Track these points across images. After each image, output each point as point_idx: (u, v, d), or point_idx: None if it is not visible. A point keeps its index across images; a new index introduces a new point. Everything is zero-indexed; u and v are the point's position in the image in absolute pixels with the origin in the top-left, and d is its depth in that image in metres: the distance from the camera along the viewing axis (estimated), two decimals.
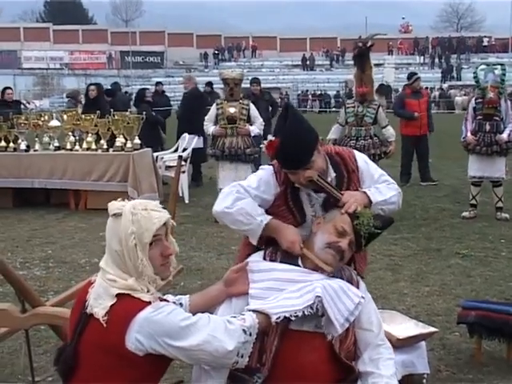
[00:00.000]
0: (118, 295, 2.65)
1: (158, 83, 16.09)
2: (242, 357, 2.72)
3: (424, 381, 4.14)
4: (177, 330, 2.61)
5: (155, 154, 11.64)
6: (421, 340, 4.22)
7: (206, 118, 9.81)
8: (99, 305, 2.67)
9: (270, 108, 13.36)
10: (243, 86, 10.05)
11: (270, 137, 3.24)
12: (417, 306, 5.90)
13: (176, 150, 12.71)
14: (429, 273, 7.00)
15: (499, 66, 9.63)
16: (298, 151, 3.13)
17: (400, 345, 3.97)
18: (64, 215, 10.37)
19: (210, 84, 14.73)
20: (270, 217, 3.29)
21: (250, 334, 2.76)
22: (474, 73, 9.64)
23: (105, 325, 2.61)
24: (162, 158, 12.03)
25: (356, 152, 3.49)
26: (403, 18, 77.94)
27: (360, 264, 3.46)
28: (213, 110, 9.70)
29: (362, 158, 3.46)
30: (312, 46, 69.58)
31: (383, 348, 3.18)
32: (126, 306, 2.63)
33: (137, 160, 10.58)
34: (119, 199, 2.80)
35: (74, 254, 8.00)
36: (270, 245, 3.32)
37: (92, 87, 12.86)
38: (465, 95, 49.22)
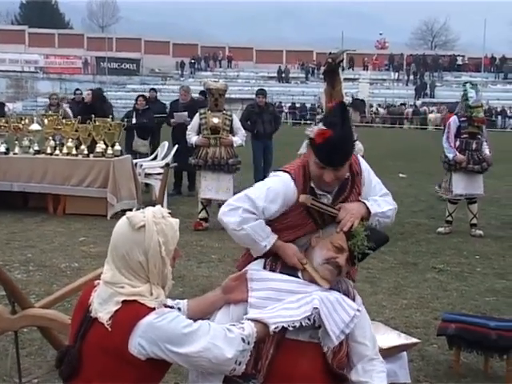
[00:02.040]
0: (123, 301, 2.71)
1: (151, 90, 16.00)
2: (239, 364, 2.79)
3: None
4: (179, 336, 2.68)
5: (134, 161, 11.67)
6: (402, 350, 4.32)
7: (188, 127, 9.87)
8: (104, 310, 2.72)
9: (273, 121, 13.28)
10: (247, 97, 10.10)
11: (314, 127, 3.26)
12: (395, 318, 6.02)
13: (155, 158, 12.76)
14: (406, 286, 7.13)
15: (476, 86, 9.86)
16: (345, 150, 3.24)
17: (383, 355, 4.06)
18: (42, 219, 10.36)
19: (203, 93, 14.71)
20: (274, 239, 3.33)
21: (249, 343, 2.83)
22: (464, 91, 9.78)
23: (109, 329, 2.67)
24: (142, 165, 12.06)
25: (359, 156, 3.56)
26: (381, 34, 78.58)
27: (352, 270, 3.54)
28: (195, 119, 9.78)
29: (364, 163, 3.53)
30: (288, 58, 69.87)
31: (377, 361, 3.27)
32: (131, 311, 2.69)
33: (117, 166, 10.61)
34: (134, 209, 2.85)
35: (53, 258, 8.00)
36: (270, 255, 3.38)
37: (87, 92, 12.91)
38: (438, 112, 49.87)
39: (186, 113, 12.46)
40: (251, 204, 3.27)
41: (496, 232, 10.13)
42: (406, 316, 6.11)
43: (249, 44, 75.91)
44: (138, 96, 14.09)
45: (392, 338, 4.39)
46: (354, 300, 3.28)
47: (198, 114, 9.83)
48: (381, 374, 3.24)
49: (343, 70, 10.99)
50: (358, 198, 3.42)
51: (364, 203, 3.39)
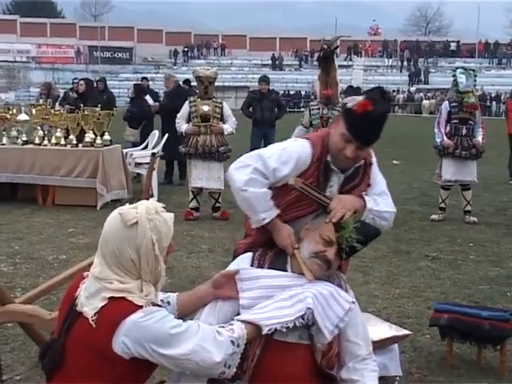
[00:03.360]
0: (110, 298, 2.60)
1: (143, 78, 15.90)
2: (229, 367, 2.68)
3: (396, 383, 4.15)
4: (165, 337, 2.56)
5: (125, 151, 11.54)
6: (394, 342, 4.22)
7: (178, 115, 9.73)
8: (90, 304, 2.61)
9: (276, 109, 13.08)
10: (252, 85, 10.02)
11: (356, 97, 3.18)
12: (388, 308, 5.93)
13: (146, 147, 12.64)
14: (399, 275, 7.04)
15: (472, 72, 9.74)
16: (379, 128, 3.16)
17: (374, 347, 3.97)
18: (31, 210, 10.22)
19: (188, 81, 14.58)
20: (274, 214, 3.22)
21: (238, 345, 2.72)
22: (453, 76, 9.70)
23: (94, 325, 2.56)
24: (132, 154, 11.94)
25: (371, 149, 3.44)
26: (374, 21, 78.41)
27: (343, 264, 3.40)
28: (185, 107, 9.63)
29: (375, 158, 3.44)
30: (281, 45, 69.69)
31: (369, 360, 3.16)
32: (117, 308, 2.57)
33: (106, 156, 10.48)
34: (127, 204, 2.73)
35: (41, 250, 7.88)
36: (262, 242, 3.29)
37: (81, 82, 12.81)
38: (432, 99, 49.81)
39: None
40: (262, 163, 3.18)
41: (490, 219, 10.04)
42: (399, 306, 6.01)
43: (242, 32, 75.60)
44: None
45: (383, 329, 4.28)
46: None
47: (187, 102, 9.69)
48: (372, 373, 3.13)
49: (337, 56, 10.77)
50: (366, 189, 3.33)
51: (362, 197, 3.28)
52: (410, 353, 4.96)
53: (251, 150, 13.40)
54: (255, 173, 3.17)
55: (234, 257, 3.39)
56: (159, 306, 2.77)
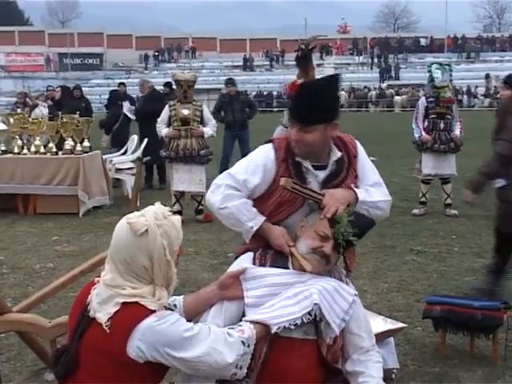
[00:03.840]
0: (123, 303, 2.63)
1: (120, 84, 15.84)
2: (240, 368, 2.72)
3: (393, 375, 4.22)
4: (179, 340, 2.60)
5: (104, 157, 11.52)
6: (389, 336, 4.29)
7: (158, 120, 9.74)
8: (103, 310, 2.63)
9: (248, 110, 13.13)
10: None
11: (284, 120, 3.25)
12: (378, 303, 5.99)
13: (125, 153, 12.62)
14: (386, 269, 7.11)
15: (447, 67, 9.86)
16: (314, 103, 3.11)
17: None
18: (13, 220, 10.17)
19: (168, 84, 14.54)
20: (261, 220, 3.27)
21: (249, 346, 2.75)
22: (428, 71, 9.82)
23: (108, 330, 2.58)
24: (112, 160, 11.91)
25: (357, 141, 3.45)
26: (343, 19, 78.80)
27: (350, 259, 3.41)
28: (165, 111, 9.64)
29: (362, 149, 3.44)
30: (252, 46, 69.76)
31: (373, 351, 3.21)
32: (130, 313, 2.60)
33: (87, 163, 10.45)
34: (135, 212, 2.74)
35: (27, 260, 7.86)
36: (259, 247, 3.31)
37: (57, 89, 12.75)
38: (403, 94, 50.14)
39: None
40: (232, 179, 3.26)
41: (470, 211, 10.12)
42: (388, 300, 6.08)
43: (212, 34, 75.60)
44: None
45: (378, 323, 4.35)
46: None
47: (167, 106, 9.70)
48: (377, 364, 3.19)
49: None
50: (355, 182, 3.34)
51: (352, 189, 3.29)
52: (404, 345, 5.03)
53: (223, 153, 13.32)
54: (228, 189, 3.25)
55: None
56: (171, 309, 2.81)
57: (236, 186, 3.25)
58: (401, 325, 4.46)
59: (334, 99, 3.26)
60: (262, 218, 3.28)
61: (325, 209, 3.14)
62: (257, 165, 3.27)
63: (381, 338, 4.20)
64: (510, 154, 5.51)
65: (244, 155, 12.76)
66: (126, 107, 12.85)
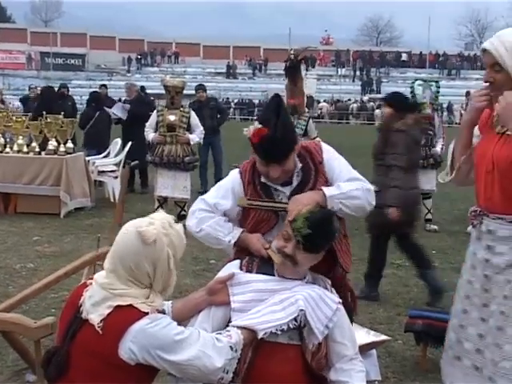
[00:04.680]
0: (117, 306, 2.66)
1: (101, 86, 15.80)
2: (227, 373, 2.77)
3: None
4: (170, 343, 2.64)
5: (87, 159, 11.48)
6: (372, 348, 4.33)
7: (147, 124, 9.75)
8: (96, 311, 2.66)
9: (218, 115, 13.16)
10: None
11: (251, 127, 3.27)
12: (359, 315, 5.95)
13: (108, 155, 12.59)
14: None
15: (434, 83, 9.96)
16: (284, 145, 3.23)
17: None
18: None
19: (143, 89, 14.63)
20: (238, 233, 3.38)
21: (236, 351, 2.81)
22: (410, 87, 9.92)
23: (100, 331, 2.61)
24: (94, 162, 11.88)
25: (324, 144, 3.52)
26: (326, 31, 79.24)
27: (345, 259, 3.47)
28: (153, 117, 9.65)
29: (328, 150, 3.49)
30: (235, 54, 69.91)
31: (356, 360, 3.25)
32: (123, 315, 2.63)
33: (70, 164, 10.43)
34: (142, 219, 2.78)
35: (7, 259, 7.81)
36: (245, 254, 3.36)
37: (37, 88, 12.70)
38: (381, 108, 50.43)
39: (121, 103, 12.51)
40: (205, 203, 3.44)
41: (450, 227, 10.28)
42: (370, 312, 6.14)
43: (196, 40, 75.61)
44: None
45: (361, 335, 4.38)
46: None
47: (155, 112, 9.72)
48: (360, 374, 3.23)
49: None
50: (327, 185, 3.38)
51: (320, 189, 3.33)
52: (385, 358, 5.08)
53: (201, 162, 13.02)
54: (201, 212, 3.43)
55: None
56: (163, 312, 2.84)
57: (208, 209, 3.42)
58: (384, 337, 4.51)
59: (292, 128, 3.50)
60: (239, 230, 3.39)
61: (289, 213, 3.22)
62: (226, 189, 3.45)
63: (364, 349, 4.24)
64: (406, 164, 6.35)
65: (217, 162, 12.78)
66: (119, 106, 12.75)
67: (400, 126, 6.54)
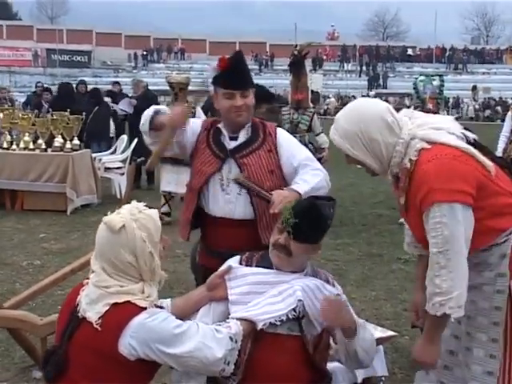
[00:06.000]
0: (114, 303, 2.66)
1: (115, 83, 15.87)
2: (228, 364, 2.77)
3: (381, 383, 4.25)
4: (170, 336, 2.64)
5: (93, 155, 11.49)
6: (379, 344, 4.31)
7: None
8: (93, 309, 2.67)
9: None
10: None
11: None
12: (366, 310, 6.03)
13: (114, 152, 12.60)
14: (373, 277, 7.17)
15: (437, 77, 9.91)
16: (247, 73, 3.76)
17: None
18: (0, 215, 10.12)
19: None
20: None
21: (236, 341, 2.81)
22: (413, 83, 9.89)
23: (99, 328, 2.62)
24: (101, 159, 11.89)
25: (281, 129, 3.85)
26: (332, 26, 78.93)
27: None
28: None
29: (284, 134, 3.80)
30: (241, 50, 69.28)
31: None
32: (122, 311, 2.64)
33: (76, 161, 10.46)
34: (109, 212, 2.80)
35: (14, 256, 7.85)
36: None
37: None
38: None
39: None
40: None
41: None
42: (376, 308, 6.14)
43: (202, 36, 75.51)
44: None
45: None
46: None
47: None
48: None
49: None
50: (267, 156, 3.66)
51: (293, 189, 3.50)
52: (392, 354, 5.08)
53: None
54: None
55: None
56: (161, 307, 2.84)
57: None
58: (391, 333, 4.49)
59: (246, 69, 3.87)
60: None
61: (273, 205, 3.37)
62: (193, 121, 3.85)
63: None
64: None
65: None
66: (126, 102, 12.76)
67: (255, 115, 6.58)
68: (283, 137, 3.77)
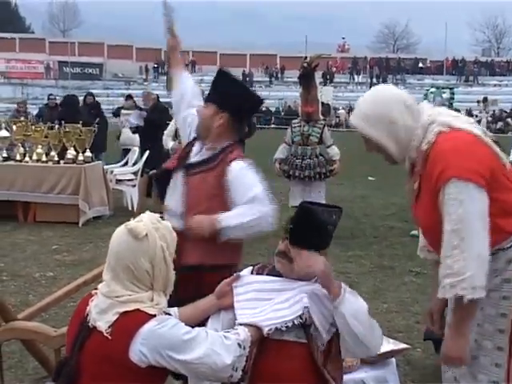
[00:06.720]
0: (124, 312, 2.69)
1: (128, 96, 15.99)
2: (236, 370, 2.79)
3: None
4: (179, 343, 2.67)
5: (105, 167, 11.54)
6: (391, 356, 4.32)
7: (165, 132, 9.79)
8: (102, 319, 2.70)
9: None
10: None
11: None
12: (378, 323, 6.00)
13: (126, 164, 12.65)
14: (385, 290, 7.16)
15: (448, 90, 9.94)
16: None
17: (373, 361, 4.07)
18: (12, 227, 10.17)
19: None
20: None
21: (244, 348, 2.83)
22: (424, 95, 9.93)
23: (109, 337, 2.64)
24: (112, 171, 11.94)
25: (239, 162, 3.79)
26: (343, 38, 79.08)
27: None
28: (172, 125, 9.68)
29: (239, 166, 3.77)
30: (252, 62, 69.97)
31: None
32: (131, 319, 2.67)
33: (88, 173, 10.51)
34: (132, 219, 2.82)
35: (27, 268, 7.88)
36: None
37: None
38: None
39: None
40: None
41: None
42: (388, 320, 6.12)
43: (212, 48, 75.79)
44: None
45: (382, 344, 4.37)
46: None
47: (174, 120, 9.74)
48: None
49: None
50: (215, 181, 3.73)
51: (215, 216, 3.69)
52: (404, 366, 5.07)
53: None
54: None
55: None
56: (169, 314, 2.87)
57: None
58: (404, 346, 4.48)
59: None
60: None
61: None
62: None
63: (383, 357, 4.24)
64: None
65: None
66: (137, 114, 12.81)
67: None
68: (236, 173, 3.74)
